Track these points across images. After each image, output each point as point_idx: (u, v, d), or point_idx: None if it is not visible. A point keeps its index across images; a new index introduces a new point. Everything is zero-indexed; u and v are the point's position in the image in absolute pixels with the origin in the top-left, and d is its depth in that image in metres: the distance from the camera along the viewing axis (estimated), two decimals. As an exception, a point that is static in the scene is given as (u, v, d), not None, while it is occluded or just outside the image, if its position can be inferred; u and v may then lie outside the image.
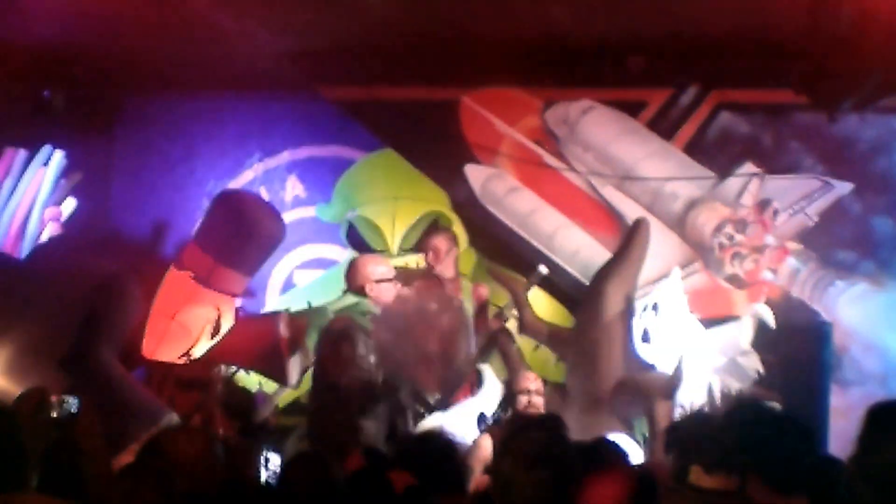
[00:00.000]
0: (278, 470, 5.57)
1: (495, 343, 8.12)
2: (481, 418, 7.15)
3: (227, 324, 8.31)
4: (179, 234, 9.37)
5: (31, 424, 4.51)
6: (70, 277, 7.89)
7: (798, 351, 8.04)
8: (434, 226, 9.15)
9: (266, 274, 9.27)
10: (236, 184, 9.60)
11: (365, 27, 8.31)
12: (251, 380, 8.35)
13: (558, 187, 9.17)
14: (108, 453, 4.96)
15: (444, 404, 7.31)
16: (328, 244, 9.57)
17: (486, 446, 6.45)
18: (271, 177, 9.66)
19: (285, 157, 9.67)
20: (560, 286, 8.90)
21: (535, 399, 7.23)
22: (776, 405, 6.03)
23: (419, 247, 8.92)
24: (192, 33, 8.26)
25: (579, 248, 9.02)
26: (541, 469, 3.88)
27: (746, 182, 8.81)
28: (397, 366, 6.99)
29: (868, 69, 7.86)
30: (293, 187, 9.65)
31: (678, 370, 7.24)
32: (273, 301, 9.47)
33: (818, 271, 8.75)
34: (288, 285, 9.56)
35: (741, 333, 7.56)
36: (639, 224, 8.04)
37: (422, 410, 7.12)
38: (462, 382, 7.54)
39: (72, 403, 5.52)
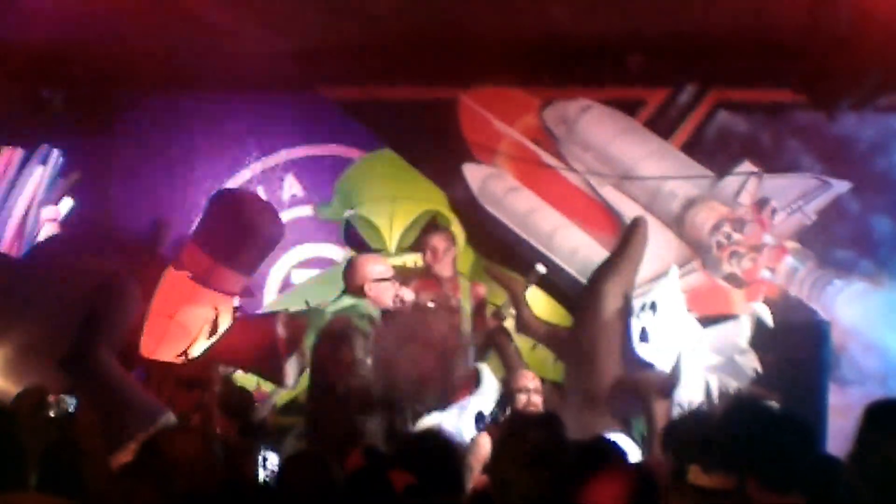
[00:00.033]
0: (276, 469, 5.57)
1: (493, 342, 8.13)
2: (479, 417, 7.15)
3: (225, 323, 8.31)
4: (178, 234, 9.37)
5: (30, 424, 4.51)
6: (68, 277, 7.88)
7: (796, 350, 8.05)
8: (432, 225, 9.14)
9: (264, 273, 9.27)
10: (234, 183, 9.59)
11: (363, 26, 8.31)
12: (250, 379, 8.35)
13: (557, 186, 9.17)
14: (106, 452, 4.97)
15: (442, 403, 7.31)
16: (326, 243, 9.57)
17: (486, 445, 6.46)
18: (269, 176, 9.65)
19: (283, 156, 9.66)
20: (558, 285, 8.90)
21: (534, 397, 7.23)
22: (774, 404, 6.02)
23: (417, 246, 8.92)
24: (191, 32, 8.25)
25: (577, 248, 9.02)
26: (539, 469, 3.89)
27: (745, 181, 8.81)
28: (394, 382, 6.97)
29: (867, 68, 7.88)
30: (291, 186, 9.65)
31: (676, 369, 7.24)
32: (271, 300, 9.47)
33: (816, 270, 8.76)
34: (286, 285, 9.56)
35: (739, 332, 7.56)
36: (637, 223, 8.04)
37: (420, 410, 7.12)
38: (458, 391, 7.57)
39: (70, 403, 5.53)
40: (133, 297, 7.97)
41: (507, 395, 7.27)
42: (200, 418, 7.58)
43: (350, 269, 7.52)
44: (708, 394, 7.34)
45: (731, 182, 8.83)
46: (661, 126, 9.03)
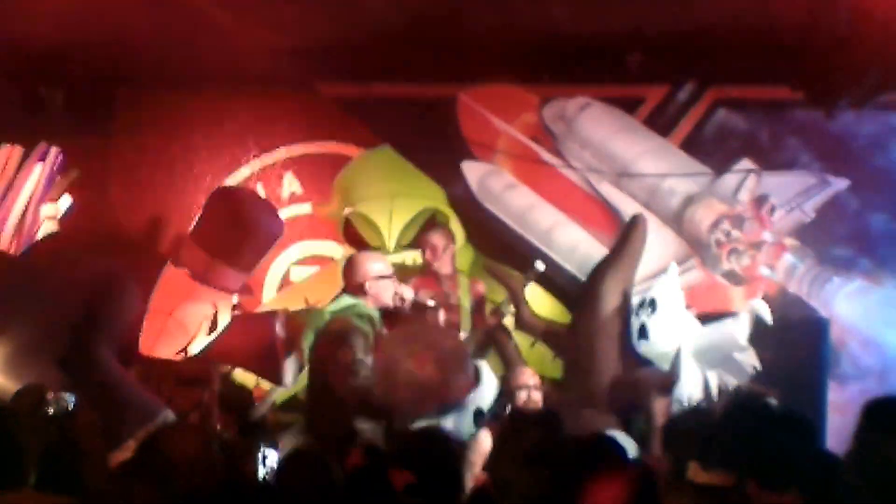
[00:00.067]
0: (276, 467, 5.57)
1: (492, 339, 8.13)
2: (479, 414, 7.15)
3: (223, 321, 8.31)
4: (176, 231, 9.37)
5: (29, 422, 4.50)
6: (67, 275, 7.87)
7: (795, 347, 8.06)
8: (431, 222, 9.15)
9: (263, 271, 9.27)
10: (234, 181, 9.59)
11: (362, 24, 8.31)
12: (248, 377, 8.35)
13: (555, 184, 9.17)
14: (105, 451, 4.97)
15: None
16: (325, 241, 9.57)
17: (486, 441, 6.45)
18: (268, 174, 9.65)
19: (283, 153, 9.65)
20: (557, 283, 8.90)
21: (534, 394, 7.24)
22: (774, 401, 6.02)
23: (416, 243, 8.92)
24: (190, 30, 8.25)
25: (576, 245, 9.02)
26: (539, 466, 3.89)
27: (743, 178, 8.82)
28: (394, 396, 6.94)
29: (866, 67, 7.87)
30: (290, 184, 9.64)
31: (675, 366, 7.24)
32: (270, 298, 9.47)
33: (815, 267, 8.76)
34: (285, 282, 9.56)
35: (738, 329, 7.56)
36: (636, 220, 8.04)
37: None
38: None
39: (69, 401, 5.52)
40: (132, 294, 7.97)
41: (507, 392, 7.27)
42: (200, 416, 7.58)
43: (350, 267, 7.51)
44: (707, 391, 7.35)
45: (730, 179, 8.83)
46: (660, 124, 9.03)
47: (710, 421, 4.78)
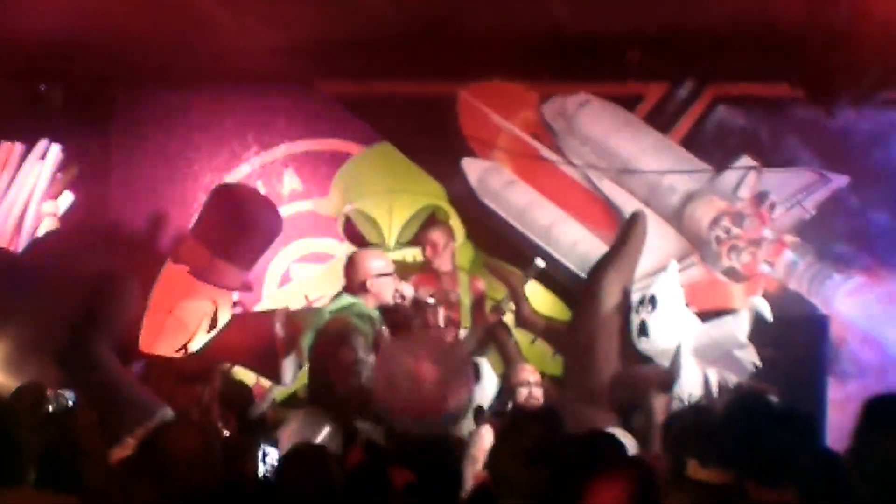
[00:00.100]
0: (276, 464, 5.57)
1: (492, 337, 8.13)
2: (479, 411, 7.16)
3: (224, 318, 8.31)
4: (176, 228, 9.37)
5: (29, 420, 4.50)
6: (67, 272, 7.88)
7: (795, 344, 8.07)
8: (431, 220, 9.14)
9: (263, 268, 9.27)
10: (233, 177, 9.59)
11: (362, 21, 8.30)
12: (249, 374, 8.36)
13: (555, 181, 9.16)
14: (105, 449, 4.97)
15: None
16: (325, 238, 9.57)
17: (489, 437, 6.45)
18: (268, 170, 9.65)
19: (282, 150, 9.65)
20: (557, 280, 8.90)
21: (535, 391, 7.24)
22: (774, 399, 6.03)
23: (416, 241, 8.92)
24: (189, 28, 8.25)
25: (576, 242, 9.01)
26: (539, 464, 3.89)
27: (743, 175, 8.81)
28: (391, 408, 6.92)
29: (865, 63, 7.87)
30: (290, 181, 9.64)
31: (675, 363, 7.25)
32: (270, 295, 9.47)
33: (815, 264, 8.75)
34: (285, 279, 9.56)
35: (738, 326, 7.57)
36: (636, 217, 8.05)
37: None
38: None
39: (69, 398, 5.53)
40: (131, 291, 7.97)
41: (508, 389, 7.28)
42: (200, 413, 7.58)
43: (351, 265, 7.50)
44: (707, 388, 7.35)
45: (730, 176, 8.82)
46: (660, 121, 9.02)
47: (710, 418, 4.78)
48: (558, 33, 8.43)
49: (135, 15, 7.98)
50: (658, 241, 8.48)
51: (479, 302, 8.36)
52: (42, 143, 9.50)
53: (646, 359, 7.58)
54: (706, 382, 7.38)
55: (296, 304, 8.54)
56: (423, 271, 8.42)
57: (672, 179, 8.91)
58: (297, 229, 9.46)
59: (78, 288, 7.69)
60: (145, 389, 7.69)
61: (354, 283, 7.38)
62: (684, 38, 8.35)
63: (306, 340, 7.39)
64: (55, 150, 9.54)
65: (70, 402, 5.51)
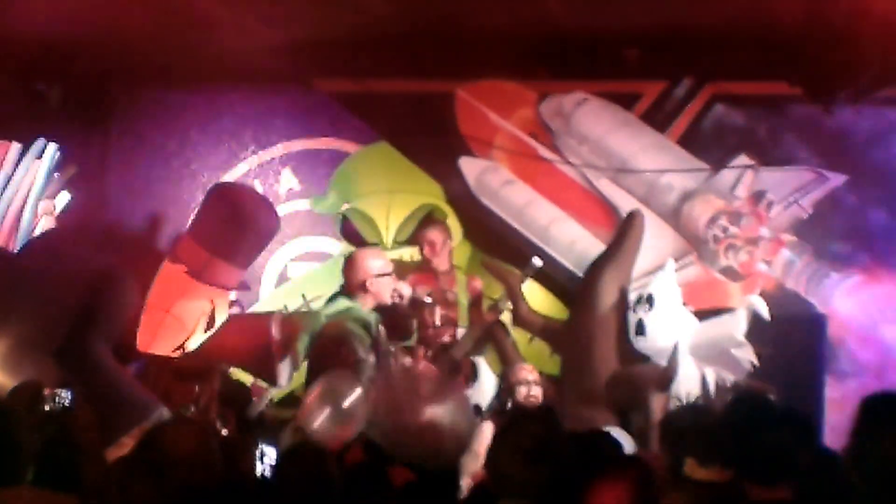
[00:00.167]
0: (274, 463, 5.57)
1: (490, 336, 8.13)
2: (477, 410, 7.15)
3: (221, 317, 8.31)
4: (174, 227, 9.36)
5: (27, 418, 4.50)
6: (65, 271, 7.87)
7: (793, 343, 8.07)
8: (429, 219, 9.14)
9: (261, 267, 9.27)
10: (231, 176, 9.59)
11: (359, 21, 8.30)
12: (246, 374, 8.35)
13: (553, 180, 9.17)
14: (103, 447, 4.96)
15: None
16: (323, 237, 9.57)
17: (490, 434, 6.43)
18: (266, 170, 9.65)
19: (280, 149, 9.65)
20: (555, 279, 8.90)
21: (533, 389, 7.24)
22: (772, 398, 6.03)
23: (414, 240, 8.92)
24: (187, 27, 8.24)
25: (574, 241, 9.02)
26: (536, 463, 3.89)
27: (741, 174, 8.81)
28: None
29: (863, 62, 7.87)
30: (288, 180, 9.64)
31: (673, 362, 7.24)
32: (268, 294, 9.46)
33: (813, 263, 8.76)
34: (283, 278, 9.55)
35: (736, 325, 7.55)
36: (633, 216, 8.04)
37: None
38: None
39: (66, 397, 5.52)
40: (129, 291, 7.97)
41: (507, 388, 7.27)
42: (198, 412, 7.58)
43: (350, 265, 7.49)
44: (704, 387, 7.34)
45: (727, 175, 8.83)
46: (658, 119, 9.02)
47: (708, 417, 4.78)
48: (556, 32, 8.43)
49: (133, 14, 7.98)
50: (655, 239, 8.48)
51: (476, 301, 8.36)
52: (40, 143, 9.49)
53: (643, 358, 7.58)
54: (704, 381, 7.37)
55: (293, 304, 8.53)
56: (421, 270, 8.42)
57: (669, 178, 8.91)
58: (295, 228, 9.47)
59: (75, 287, 7.68)
60: (143, 389, 7.68)
61: (354, 283, 7.38)
62: (682, 37, 8.36)
63: (302, 343, 7.39)
64: (53, 150, 9.53)
65: (68, 401, 5.50)
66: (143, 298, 8.21)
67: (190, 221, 8.73)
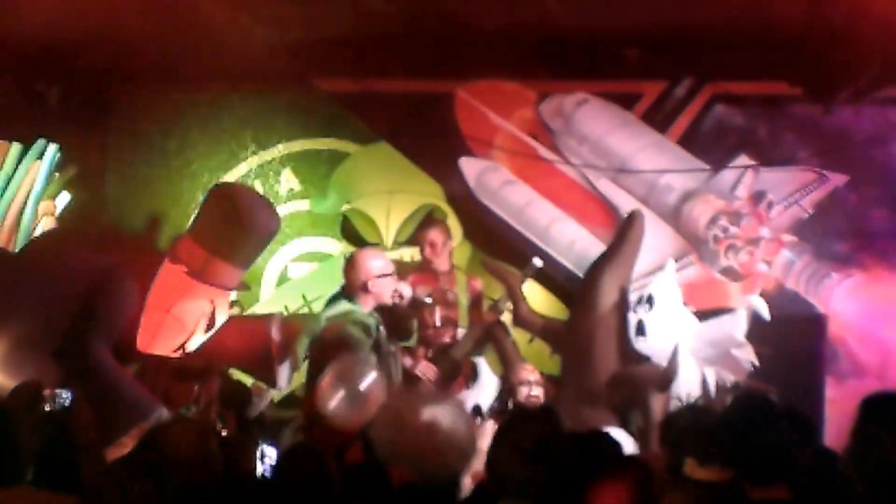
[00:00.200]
0: (274, 463, 5.56)
1: (490, 336, 8.12)
2: (477, 410, 7.15)
3: (221, 317, 8.30)
4: (174, 228, 9.36)
5: (26, 419, 4.50)
6: (65, 271, 7.86)
7: (793, 343, 8.07)
8: (429, 219, 9.14)
9: (261, 267, 9.27)
10: (231, 177, 9.59)
11: (359, 20, 8.30)
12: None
13: (553, 180, 9.17)
14: (103, 447, 4.96)
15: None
16: (323, 237, 9.57)
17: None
18: (266, 170, 9.65)
19: (280, 149, 9.66)
20: (555, 279, 8.90)
21: (535, 390, 7.24)
22: (773, 398, 6.02)
23: (414, 240, 8.92)
24: (187, 27, 8.24)
25: (574, 241, 9.02)
26: (537, 464, 3.88)
27: (741, 174, 8.82)
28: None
29: (863, 62, 7.87)
30: (288, 180, 9.64)
31: (673, 363, 7.24)
32: (268, 294, 9.46)
33: (813, 263, 8.76)
34: (283, 278, 9.56)
35: (736, 325, 7.56)
36: (633, 216, 8.03)
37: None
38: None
39: (66, 397, 5.52)
40: (129, 291, 7.96)
41: (509, 388, 7.27)
42: (198, 412, 7.57)
43: (351, 265, 7.49)
44: (705, 387, 7.34)
45: (727, 175, 8.83)
46: (658, 119, 9.03)
47: (708, 417, 4.78)
48: (556, 32, 8.43)
49: (133, 14, 7.98)
50: (656, 240, 8.48)
51: (476, 301, 8.35)
52: (40, 143, 9.49)
53: (643, 358, 7.57)
54: (704, 382, 7.37)
55: (294, 304, 8.54)
56: (421, 271, 8.41)
57: (670, 178, 8.91)
58: (295, 229, 9.47)
59: (76, 287, 7.67)
60: (143, 389, 7.68)
61: (355, 283, 7.37)
62: (682, 37, 8.36)
63: (302, 345, 7.39)
64: (52, 150, 9.52)
65: (68, 401, 5.49)
66: (143, 298, 8.20)
67: (190, 222, 8.72)
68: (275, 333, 7.76)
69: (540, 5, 7.96)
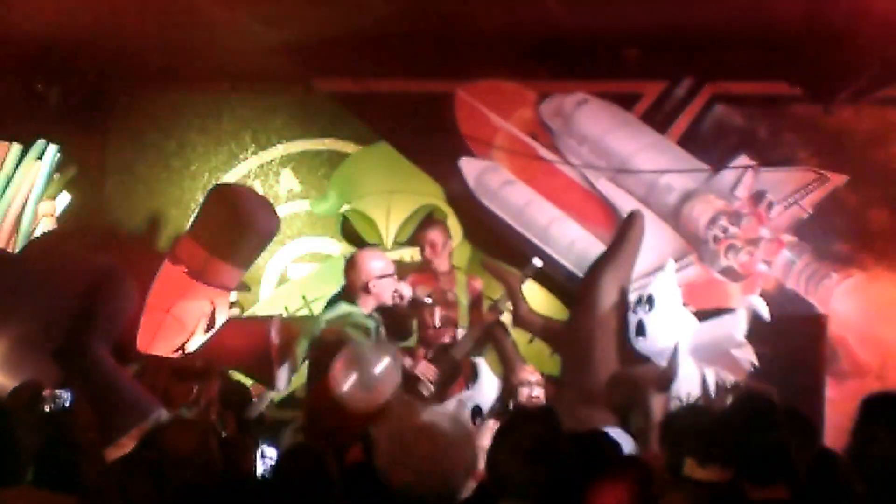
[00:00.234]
0: (274, 463, 5.57)
1: (490, 336, 8.12)
2: (477, 411, 7.15)
3: (221, 318, 8.30)
4: (174, 228, 9.37)
5: (26, 419, 4.50)
6: (64, 272, 7.86)
7: (793, 343, 8.07)
8: (429, 219, 9.14)
9: (261, 268, 9.27)
10: (231, 178, 9.59)
11: (359, 20, 8.30)
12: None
13: (553, 180, 9.16)
14: (103, 447, 4.96)
15: (439, 398, 7.30)
16: (323, 238, 9.57)
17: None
18: (266, 170, 9.66)
19: (280, 150, 9.66)
20: (555, 279, 8.90)
21: (535, 390, 7.24)
22: (774, 398, 6.02)
23: (414, 240, 8.92)
24: (187, 27, 8.24)
25: (574, 241, 9.01)
26: (538, 464, 3.88)
27: (741, 174, 8.81)
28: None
29: (863, 61, 7.87)
30: (288, 181, 9.64)
31: (673, 363, 7.23)
32: (268, 295, 9.46)
33: (813, 263, 8.76)
34: (283, 279, 9.56)
35: (736, 326, 7.55)
36: (633, 216, 8.03)
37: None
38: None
39: (65, 398, 5.52)
40: (129, 291, 7.95)
41: (509, 389, 7.27)
42: (198, 412, 7.57)
43: (352, 266, 7.49)
44: (704, 388, 7.34)
45: (727, 175, 8.83)
46: (658, 119, 9.02)
47: (708, 417, 4.78)
48: (556, 32, 8.43)
49: (132, 14, 7.98)
50: (655, 240, 8.48)
51: (476, 301, 8.36)
52: (39, 144, 9.49)
53: (643, 358, 7.57)
54: (704, 382, 7.37)
55: (294, 305, 8.54)
56: (421, 271, 8.41)
57: (669, 178, 8.91)
58: (295, 229, 9.48)
59: (75, 288, 7.67)
60: (142, 389, 7.68)
61: (356, 284, 7.37)
62: (682, 37, 8.35)
63: (301, 348, 7.39)
64: (52, 151, 9.52)
65: (67, 401, 5.49)
66: (143, 299, 8.20)
67: (190, 222, 8.72)
68: (274, 335, 7.76)
69: (540, 5, 7.95)
